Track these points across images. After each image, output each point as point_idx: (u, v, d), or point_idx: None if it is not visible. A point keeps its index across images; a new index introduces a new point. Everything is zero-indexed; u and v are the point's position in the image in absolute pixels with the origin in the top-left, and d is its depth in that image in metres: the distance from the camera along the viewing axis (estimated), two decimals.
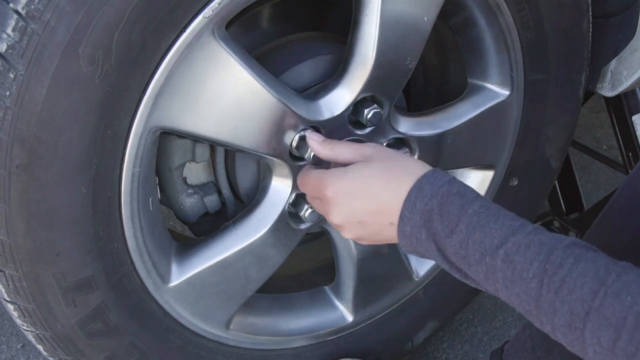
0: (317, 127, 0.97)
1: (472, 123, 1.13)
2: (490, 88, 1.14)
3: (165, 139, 0.99)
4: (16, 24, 0.73)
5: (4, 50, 0.74)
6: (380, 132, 1.03)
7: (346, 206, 0.85)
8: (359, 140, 1.01)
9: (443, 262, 0.78)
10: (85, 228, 0.87)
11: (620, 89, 1.20)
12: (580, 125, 2.03)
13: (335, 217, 0.87)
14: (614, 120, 1.41)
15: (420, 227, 0.77)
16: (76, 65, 0.76)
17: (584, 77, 1.19)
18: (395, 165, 0.84)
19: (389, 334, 1.30)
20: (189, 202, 1.06)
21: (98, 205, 0.87)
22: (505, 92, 1.13)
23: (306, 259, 1.37)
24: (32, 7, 0.72)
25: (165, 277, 0.99)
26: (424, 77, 1.28)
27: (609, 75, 1.21)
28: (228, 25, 0.88)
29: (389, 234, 0.82)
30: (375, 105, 0.99)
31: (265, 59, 1.03)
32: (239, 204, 1.12)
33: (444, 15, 1.06)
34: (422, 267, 1.26)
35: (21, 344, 1.51)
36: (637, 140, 1.34)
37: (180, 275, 1.00)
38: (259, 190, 1.05)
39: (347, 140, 1.00)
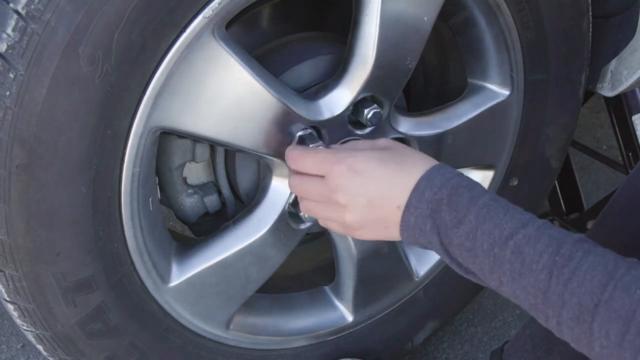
0: (317, 127, 0.97)
1: (472, 123, 1.13)
2: (490, 88, 1.14)
3: (165, 139, 0.99)
4: (16, 24, 0.73)
5: (4, 50, 0.73)
6: (380, 132, 1.03)
7: (357, 182, 0.83)
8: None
9: (444, 255, 0.78)
10: (85, 228, 0.87)
11: (620, 89, 1.20)
12: (580, 125, 2.03)
13: (343, 195, 0.84)
14: (614, 120, 1.41)
15: (426, 217, 0.78)
16: (76, 65, 0.76)
17: (584, 77, 1.19)
18: (408, 157, 0.85)
19: (389, 334, 1.30)
20: (189, 202, 1.06)
21: (98, 205, 0.87)
22: (505, 92, 1.13)
23: (306, 259, 1.37)
24: (32, 7, 0.72)
25: (165, 277, 0.99)
26: (424, 77, 1.28)
27: (609, 75, 1.21)
28: (228, 25, 0.88)
29: (392, 219, 0.81)
30: (375, 105, 0.99)
31: (265, 59, 1.03)
32: (239, 204, 1.11)
33: (444, 15, 1.06)
34: (422, 267, 1.26)
35: (21, 344, 1.51)
36: (637, 140, 1.34)
37: (180, 275, 1.00)
38: (259, 190, 1.05)
39: (346, 140, 1.00)
